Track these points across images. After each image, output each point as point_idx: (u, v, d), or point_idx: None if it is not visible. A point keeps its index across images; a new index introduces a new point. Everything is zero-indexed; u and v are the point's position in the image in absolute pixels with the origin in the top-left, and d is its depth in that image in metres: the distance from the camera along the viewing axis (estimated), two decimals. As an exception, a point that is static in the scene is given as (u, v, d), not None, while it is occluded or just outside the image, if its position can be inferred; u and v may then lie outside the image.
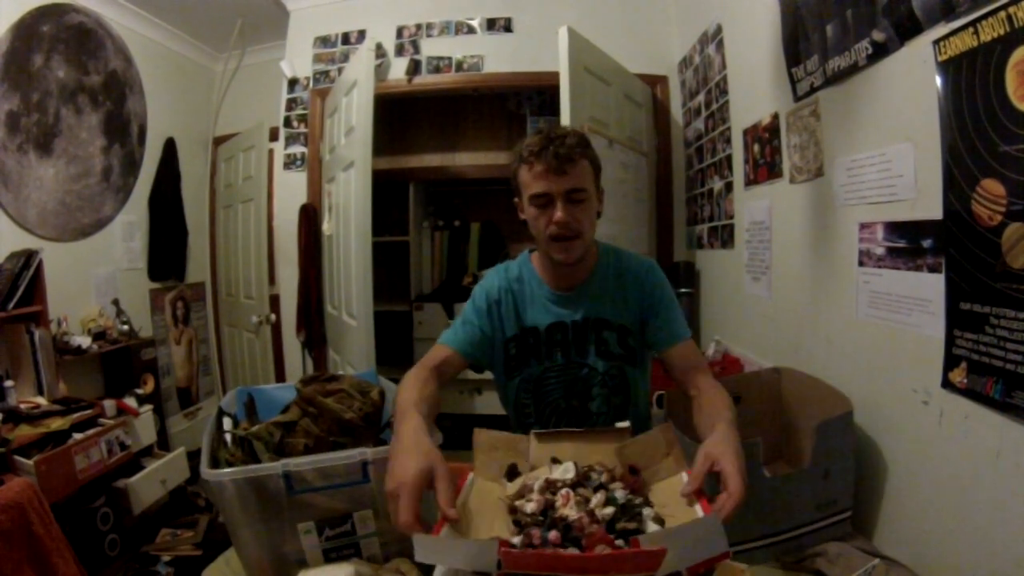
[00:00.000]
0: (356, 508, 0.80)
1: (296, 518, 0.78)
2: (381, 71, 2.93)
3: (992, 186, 0.89)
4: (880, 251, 1.20)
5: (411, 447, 0.77)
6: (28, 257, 2.24)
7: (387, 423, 1.03)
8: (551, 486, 0.81)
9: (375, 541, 0.81)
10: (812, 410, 1.29)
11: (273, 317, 3.23)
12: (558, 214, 1.11)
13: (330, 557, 0.80)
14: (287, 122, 3.18)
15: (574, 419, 1.26)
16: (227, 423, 0.98)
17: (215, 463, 0.83)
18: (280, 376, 3.26)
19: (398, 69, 2.99)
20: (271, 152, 3.26)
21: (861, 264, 1.27)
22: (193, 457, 2.56)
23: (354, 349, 2.40)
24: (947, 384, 1.01)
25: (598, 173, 1.20)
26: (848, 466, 1.16)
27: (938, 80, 0.99)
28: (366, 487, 0.79)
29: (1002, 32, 0.85)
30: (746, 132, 1.94)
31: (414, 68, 2.96)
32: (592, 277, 1.25)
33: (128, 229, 3.12)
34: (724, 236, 2.23)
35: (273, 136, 3.24)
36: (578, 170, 1.12)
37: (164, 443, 2.85)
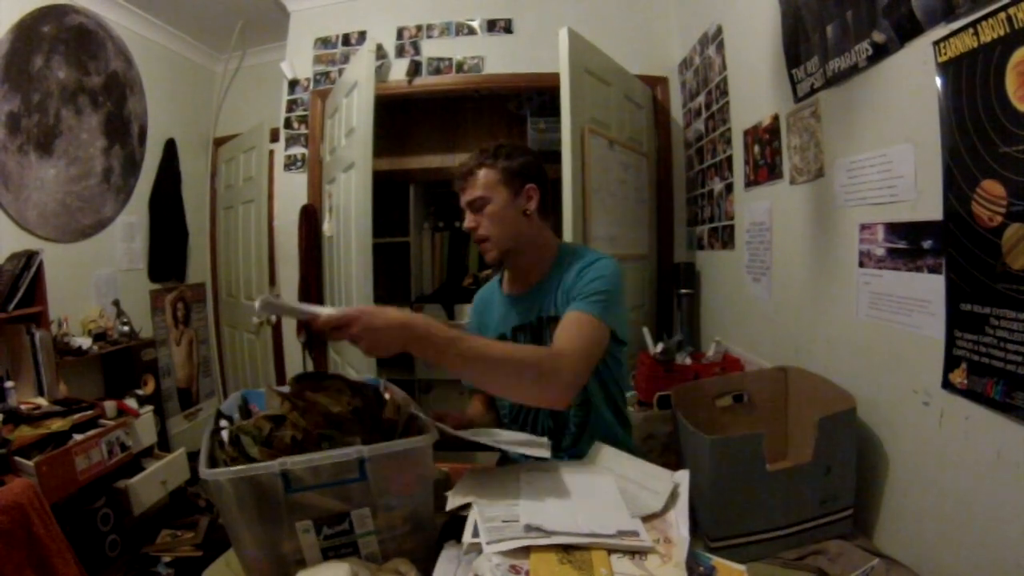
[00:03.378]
0: (354, 506, 0.80)
1: (294, 517, 0.78)
2: (381, 72, 2.93)
3: (992, 187, 0.89)
4: (880, 252, 1.20)
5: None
6: (28, 258, 2.24)
7: (388, 423, 1.02)
8: None
9: (373, 540, 0.81)
10: (815, 407, 1.29)
11: (274, 318, 3.23)
12: (465, 223, 1.27)
13: (328, 556, 0.80)
14: (287, 123, 3.18)
15: (549, 417, 1.29)
16: (223, 424, 0.99)
17: (213, 464, 0.83)
18: (280, 377, 3.27)
19: (398, 70, 2.99)
20: (271, 153, 3.27)
21: (861, 265, 1.27)
22: (194, 458, 2.56)
23: (354, 350, 2.39)
24: (947, 385, 1.01)
25: (512, 176, 1.25)
26: (850, 463, 1.16)
27: (938, 81, 1.00)
28: (364, 485, 0.80)
29: (1002, 33, 0.85)
30: (746, 133, 1.94)
31: (414, 69, 2.97)
32: (549, 276, 1.29)
33: (128, 230, 3.12)
34: (724, 237, 2.23)
35: (274, 137, 3.24)
36: (475, 181, 1.25)
37: (164, 444, 2.85)
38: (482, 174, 1.25)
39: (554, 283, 1.26)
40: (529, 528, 0.78)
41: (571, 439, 1.27)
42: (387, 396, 1.04)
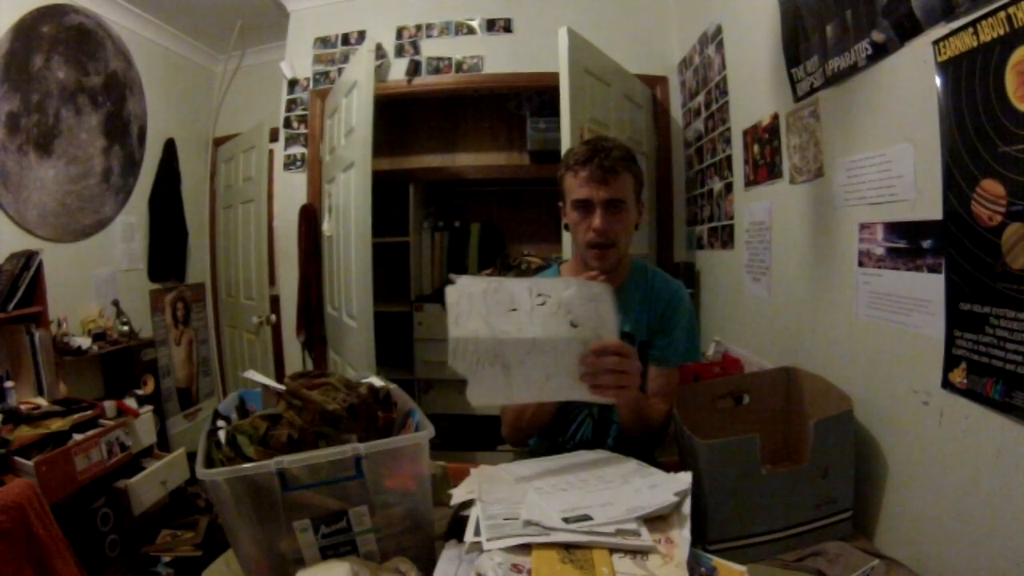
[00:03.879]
0: (351, 504, 0.80)
1: (291, 516, 0.78)
2: (381, 72, 2.93)
3: (992, 186, 0.89)
4: (880, 251, 1.20)
5: None
6: (28, 258, 2.24)
7: (384, 419, 1.02)
8: None
9: (372, 538, 0.81)
10: (815, 409, 1.29)
11: (273, 318, 3.23)
12: (596, 221, 1.18)
13: (327, 555, 0.80)
14: (287, 123, 3.18)
15: (596, 427, 1.32)
16: (220, 424, 0.99)
17: (210, 464, 0.83)
18: (280, 377, 3.26)
19: (398, 70, 2.99)
20: (271, 153, 3.26)
21: (861, 264, 1.27)
22: (194, 458, 2.56)
23: (354, 350, 2.40)
24: (947, 384, 1.01)
25: (640, 188, 1.26)
26: (848, 465, 1.16)
27: (938, 80, 0.99)
28: (361, 482, 0.79)
29: (1002, 32, 0.85)
30: (746, 133, 1.94)
31: (414, 69, 2.97)
32: (621, 290, 1.28)
33: (128, 230, 3.12)
34: (724, 236, 2.23)
35: (273, 137, 3.24)
36: (620, 182, 1.19)
37: (164, 444, 2.86)
38: (625, 177, 1.20)
39: (631, 299, 1.29)
40: (528, 524, 0.78)
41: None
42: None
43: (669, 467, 1.03)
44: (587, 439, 1.32)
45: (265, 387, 1.03)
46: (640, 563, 0.76)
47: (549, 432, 1.38)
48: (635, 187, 1.24)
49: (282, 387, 0.97)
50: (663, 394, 1.29)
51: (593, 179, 1.17)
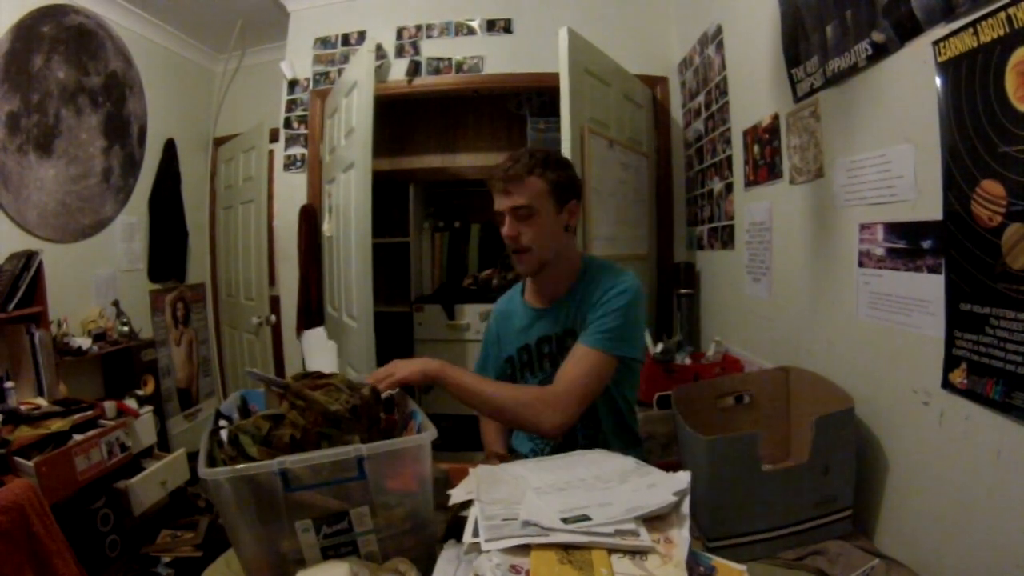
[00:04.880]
0: (353, 505, 0.80)
1: (293, 516, 0.78)
2: (381, 72, 2.93)
3: (992, 187, 0.89)
4: (880, 252, 1.20)
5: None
6: (28, 258, 2.24)
7: (387, 421, 1.03)
8: None
9: (373, 539, 0.81)
10: (816, 407, 1.29)
11: (273, 318, 3.23)
12: (504, 229, 1.25)
13: (328, 555, 0.80)
14: (287, 123, 3.18)
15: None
16: (223, 424, 0.99)
17: (212, 463, 0.83)
18: (281, 377, 3.26)
19: (398, 70, 2.99)
20: (271, 153, 3.26)
21: (861, 265, 1.27)
22: (194, 458, 2.56)
23: (354, 350, 2.40)
24: (947, 385, 1.01)
25: (560, 190, 1.25)
26: (849, 463, 1.16)
27: (938, 81, 1.00)
28: (363, 483, 0.80)
29: (1002, 33, 0.85)
30: (746, 133, 1.94)
31: (414, 69, 2.97)
32: (573, 291, 1.30)
33: (128, 230, 3.12)
34: (724, 237, 2.23)
35: (273, 137, 3.24)
36: (523, 188, 1.22)
37: (164, 444, 2.85)
38: (531, 182, 1.22)
39: (581, 298, 1.28)
40: (527, 524, 0.78)
41: None
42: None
43: (668, 467, 1.03)
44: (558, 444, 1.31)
45: (267, 387, 1.03)
46: (639, 563, 0.76)
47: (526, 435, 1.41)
48: (551, 190, 1.23)
49: (285, 382, 0.98)
50: (568, 371, 1.19)
51: (497, 190, 1.25)
